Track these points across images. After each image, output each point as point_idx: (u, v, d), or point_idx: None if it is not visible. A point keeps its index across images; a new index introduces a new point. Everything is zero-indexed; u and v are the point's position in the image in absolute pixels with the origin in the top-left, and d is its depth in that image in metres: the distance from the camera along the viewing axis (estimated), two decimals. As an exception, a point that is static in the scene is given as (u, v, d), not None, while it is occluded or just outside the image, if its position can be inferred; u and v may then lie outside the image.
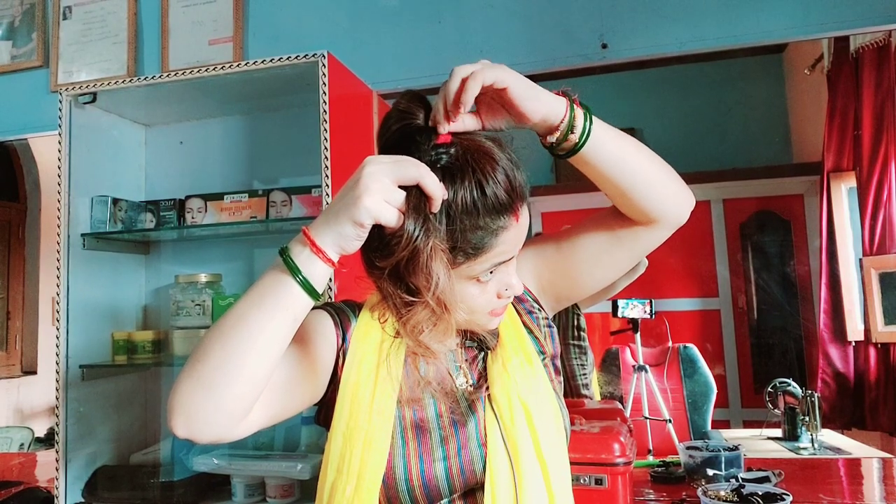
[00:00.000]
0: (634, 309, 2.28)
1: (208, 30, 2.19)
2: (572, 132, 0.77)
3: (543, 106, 0.75)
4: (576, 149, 0.78)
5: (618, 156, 0.80)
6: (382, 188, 0.70)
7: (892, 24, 1.74)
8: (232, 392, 0.69)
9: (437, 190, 0.72)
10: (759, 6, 1.81)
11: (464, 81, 0.73)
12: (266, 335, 0.70)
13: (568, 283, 0.94)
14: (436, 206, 0.73)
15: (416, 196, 0.72)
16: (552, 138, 0.77)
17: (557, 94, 0.78)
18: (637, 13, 1.89)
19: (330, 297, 1.52)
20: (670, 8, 1.86)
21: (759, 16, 1.81)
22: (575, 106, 0.77)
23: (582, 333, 2.13)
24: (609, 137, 0.79)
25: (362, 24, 2.10)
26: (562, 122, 0.76)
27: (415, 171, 0.71)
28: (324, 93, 1.58)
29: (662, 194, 0.84)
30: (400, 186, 0.71)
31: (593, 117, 0.78)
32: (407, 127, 0.77)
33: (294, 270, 0.71)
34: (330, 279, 1.53)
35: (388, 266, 0.76)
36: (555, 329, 0.98)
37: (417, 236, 0.72)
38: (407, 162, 0.72)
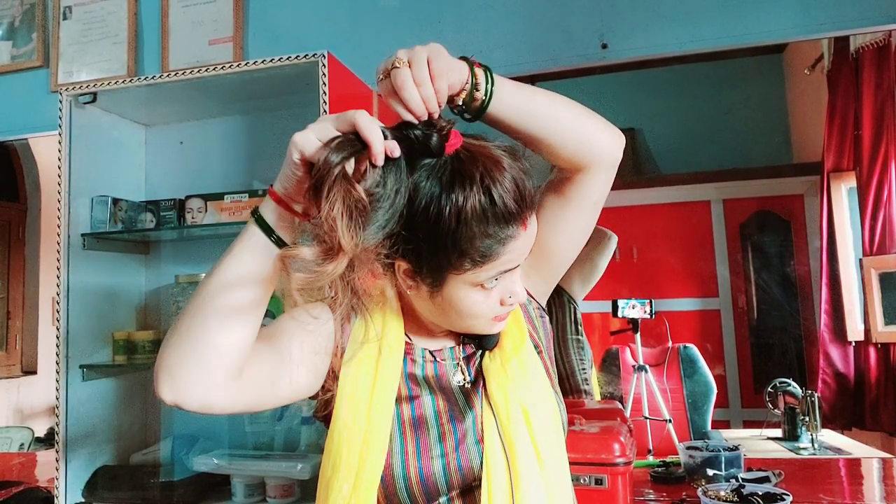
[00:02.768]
0: (634, 309, 2.28)
1: (208, 30, 2.19)
2: (477, 90, 0.77)
3: (456, 74, 0.76)
4: (483, 107, 0.78)
5: (529, 107, 0.81)
6: (319, 128, 0.71)
7: (892, 24, 1.74)
8: (209, 342, 0.71)
9: (371, 133, 0.70)
10: (759, 6, 1.81)
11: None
12: (234, 278, 0.73)
13: (542, 259, 0.93)
14: (375, 156, 0.70)
15: (348, 139, 0.70)
16: (459, 100, 0.78)
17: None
18: (637, 13, 1.88)
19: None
20: (670, 8, 1.86)
21: (759, 16, 1.81)
22: (475, 67, 0.78)
23: (580, 328, 2.14)
24: (514, 90, 0.80)
25: (362, 24, 2.10)
26: (466, 83, 0.77)
27: (352, 115, 0.71)
28: (324, 93, 1.58)
29: (585, 135, 0.84)
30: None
31: (495, 76, 0.79)
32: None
33: (254, 213, 0.75)
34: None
35: (304, 193, 0.73)
36: (547, 318, 0.99)
37: (325, 164, 0.68)
38: (351, 111, 0.72)
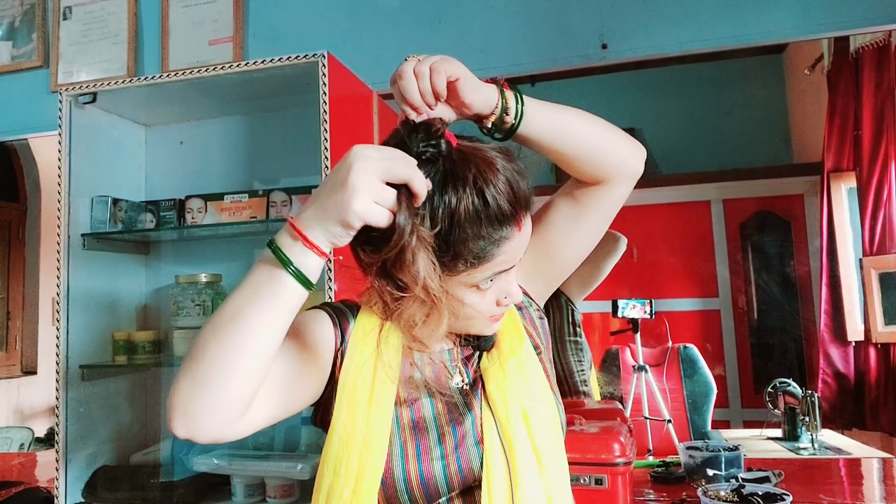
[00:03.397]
0: (634, 309, 2.28)
1: (208, 30, 2.19)
2: (507, 114, 0.79)
3: (483, 95, 0.77)
4: (513, 128, 0.80)
5: (557, 127, 0.82)
6: (371, 188, 0.68)
7: (892, 24, 1.74)
8: (229, 390, 0.68)
9: (423, 190, 0.71)
10: (759, 6, 1.81)
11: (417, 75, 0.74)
12: (262, 329, 0.69)
13: (548, 262, 0.94)
14: (418, 202, 0.71)
15: (404, 195, 0.70)
16: (489, 122, 0.79)
17: (487, 81, 0.79)
18: (637, 13, 1.89)
19: (329, 298, 1.52)
20: (670, 8, 1.86)
21: (759, 16, 1.81)
22: (505, 90, 0.79)
23: (578, 329, 2.13)
24: (544, 112, 0.81)
25: (362, 24, 2.10)
26: (496, 107, 0.78)
27: (405, 171, 0.69)
28: (324, 93, 1.58)
29: (610, 151, 0.86)
30: (388, 184, 0.70)
31: (524, 97, 0.80)
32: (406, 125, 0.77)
33: (286, 263, 0.69)
34: (330, 278, 1.53)
35: (376, 263, 0.75)
36: (545, 321, 0.99)
37: (405, 235, 0.70)
38: (397, 160, 0.70)
